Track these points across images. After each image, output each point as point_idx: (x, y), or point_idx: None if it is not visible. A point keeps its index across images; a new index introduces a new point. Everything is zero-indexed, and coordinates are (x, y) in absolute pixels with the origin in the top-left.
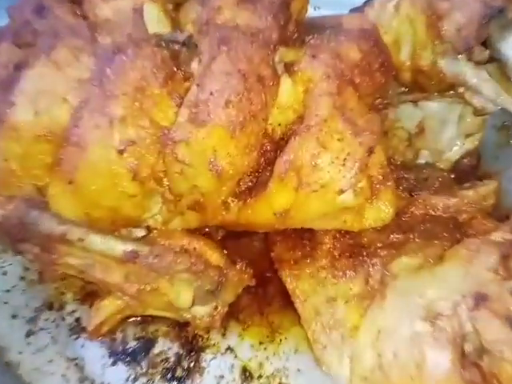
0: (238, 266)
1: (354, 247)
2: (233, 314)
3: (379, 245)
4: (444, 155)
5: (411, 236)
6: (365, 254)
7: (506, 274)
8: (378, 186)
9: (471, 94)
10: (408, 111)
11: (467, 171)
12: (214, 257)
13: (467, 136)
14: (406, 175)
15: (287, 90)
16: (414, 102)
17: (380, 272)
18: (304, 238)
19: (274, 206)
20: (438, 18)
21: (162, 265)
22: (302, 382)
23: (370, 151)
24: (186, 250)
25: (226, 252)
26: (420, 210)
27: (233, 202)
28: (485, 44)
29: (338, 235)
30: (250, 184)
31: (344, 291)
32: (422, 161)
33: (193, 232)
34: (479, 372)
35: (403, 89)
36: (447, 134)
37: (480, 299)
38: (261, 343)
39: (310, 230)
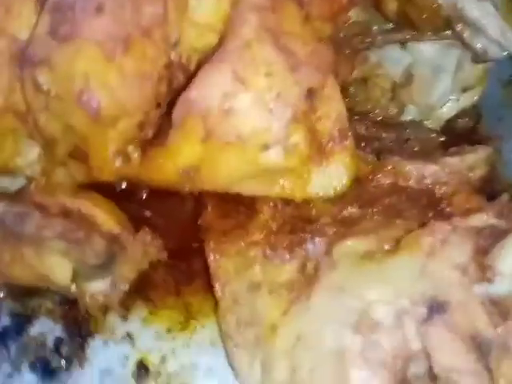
0: (141, 235)
1: (298, 221)
2: (142, 292)
3: (328, 220)
4: (435, 112)
5: (370, 211)
6: (308, 230)
7: (478, 275)
8: (330, 145)
9: (471, 32)
10: (394, 55)
11: (462, 134)
12: (107, 221)
13: (465, 90)
14: (384, 134)
15: (205, 2)
16: (402, 44)
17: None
18: (241, 204)
19: (176, 161)
20: None
21: (25, 229)
22: None
23: (311, 94)
24: (66, 212)
25: (149, 214)
26: (388, 179)
27: (134, 151)
28: None
29: (280, 204)
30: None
31: (272, 277)
32: (407, 118)
33: (90, 188)
34: None
35: (389, 25)
36: (440, 85)
37: (436, 308)
38: (169, 331)
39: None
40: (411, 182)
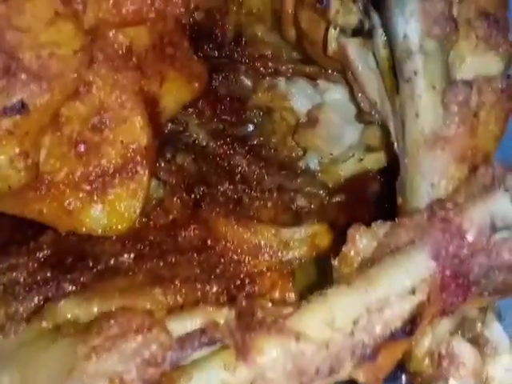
0: None
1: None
2: None
3: (111, 261)
4: (335, 167)
5: (144, 267)
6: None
7: None
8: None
9: (357, 86)
10: (304, 90)
11: (363, 198)
12: None
13: (369, 150)
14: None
15: None
16: (314, 80)
17: None
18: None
19: None
20: None
21: None
22: None
23: None
24: None
25: None
26: (197, 232)
27: None
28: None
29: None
30: None
31: None
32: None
33: None
34: None
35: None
36: (346, 137)
37: None
38: None
39: None
40: (219, 247)
